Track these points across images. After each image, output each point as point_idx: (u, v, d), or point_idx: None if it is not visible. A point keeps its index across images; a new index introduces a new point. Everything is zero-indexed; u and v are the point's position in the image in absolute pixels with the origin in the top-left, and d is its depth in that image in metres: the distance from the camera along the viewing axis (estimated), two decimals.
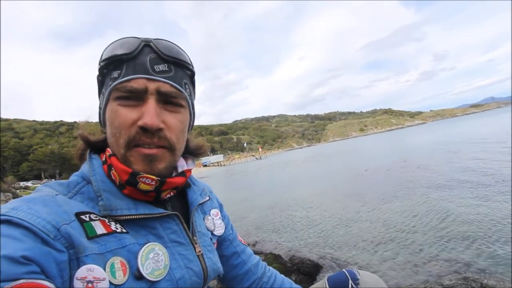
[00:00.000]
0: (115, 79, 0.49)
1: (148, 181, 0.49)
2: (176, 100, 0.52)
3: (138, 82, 0.48)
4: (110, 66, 0.50)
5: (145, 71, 0.48)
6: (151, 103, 0.48)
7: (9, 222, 0.36)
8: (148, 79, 0.48)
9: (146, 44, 0.50)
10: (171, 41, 0.53)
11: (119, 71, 0.49)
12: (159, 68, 0.49)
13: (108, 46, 0.51)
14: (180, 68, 0.53)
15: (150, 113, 0.47)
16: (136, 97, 0.48)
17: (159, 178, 0.50)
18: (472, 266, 3.34)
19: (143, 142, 0.48)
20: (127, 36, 0.51)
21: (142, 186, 0.49)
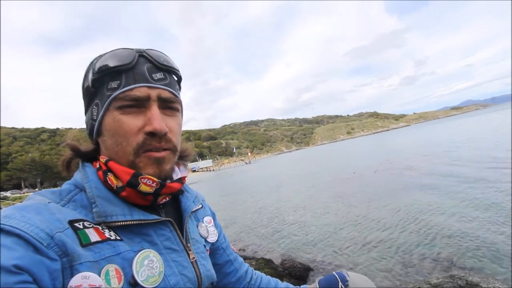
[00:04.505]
0: (115, 89, 0.49)
1: (149, 182, 0.50)
2: (174, 104, 0.55)
3: (140, 91, 0.49)
4: (105, 77, 0.51)
5: (145, 80, 0.50)
6: (155, 109, 0.50)
7: (1, 231, 0.36)
8: (149, 87, 0.50)
9: (141, 55, 0.52)
10: (159, 50, 0.56)
11: (118, 81, 0.50)
12: (157, 76, 0.52)
13: (99, 57, 0.52)
14: (172, 75, 0.57)
15: (157, 119, 0.49)
16: (139, 105, 0.50)
17: (159, 181, 0.51)
18: (458, 264, 3.45)
19: (152, 147, 0.50)
20: (118, 47, 0.53)
21: (143, 188, 0.49)
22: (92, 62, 0.53)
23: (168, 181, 0.56)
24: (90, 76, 0.51)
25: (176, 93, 0.56)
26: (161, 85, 0.52)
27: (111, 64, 0.50)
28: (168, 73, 0.55)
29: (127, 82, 0.49)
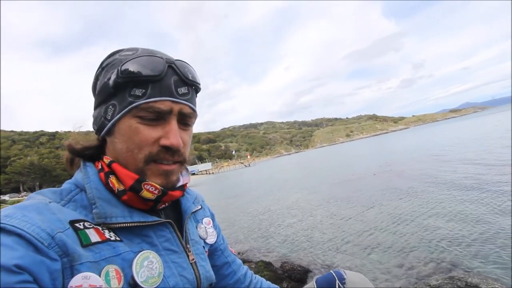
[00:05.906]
0: (138, 97, 0.49)
1: (152, 189, 0.50)
2: (191, 120, 0.55)
3: (164, 104, 0.49)
4: (130, 82, 0.49)
5: (171, 94, 0.50)
6: (174, 124, 0.51)
7: (2, 230, 0.36)
8: (173, 101, 0.50)
9: (169, 65, 0.51)
10: (186, 62, 0.55)
11: (143, 90, 0.49)
12: (181, 91, 0.52)
13: (127, 59, 0.51)
14: (195, 89, 0.57)
15: (175, 135, 0.50)
16: (158, 117, 0.50)
17: (162, 188, 0.51)
18: (457, 265, 3.43)
19: (164, 159, 0.51)
20: (149, 52, 0.52)
21: (145, 194, 0.49)
22: (114, 59, 0.52)
23: (171, 189, 0.56)
24: (114, 76, 0.50)
25: (195, 108, 0.56)
26: (184, 100, 0.52)
27: (141, 71, 0.48)
28: (192, 87, 0.55)
29: (153, 93, 0.49)
